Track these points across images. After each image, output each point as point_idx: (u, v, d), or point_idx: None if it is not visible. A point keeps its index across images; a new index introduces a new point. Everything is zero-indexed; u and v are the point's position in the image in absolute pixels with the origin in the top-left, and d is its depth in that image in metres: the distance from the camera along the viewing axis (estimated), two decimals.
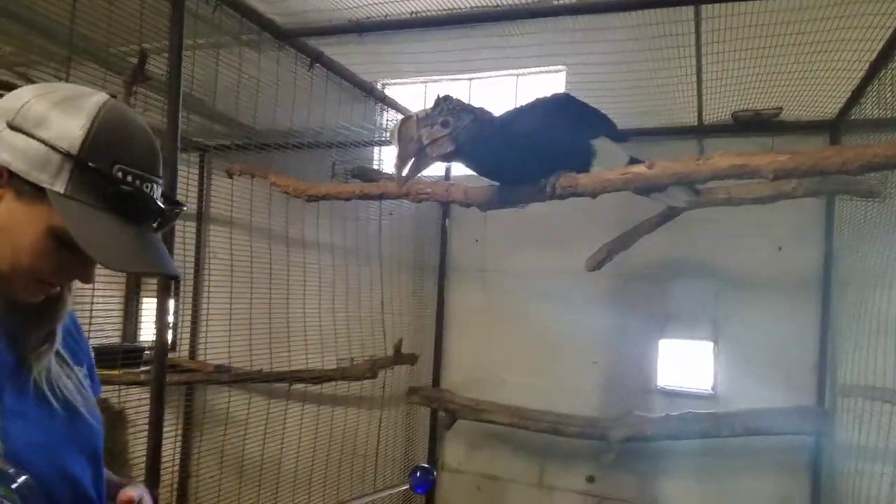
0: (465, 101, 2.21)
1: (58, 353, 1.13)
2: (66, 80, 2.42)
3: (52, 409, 1.08)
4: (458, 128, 2.14)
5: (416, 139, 2.11)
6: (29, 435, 1.03)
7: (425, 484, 1.63)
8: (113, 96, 1.02)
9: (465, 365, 4.61)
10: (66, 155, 0.93)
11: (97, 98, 0.99)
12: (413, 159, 2.14)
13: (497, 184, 2.51)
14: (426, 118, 2.12)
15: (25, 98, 0.96)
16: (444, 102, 2.15)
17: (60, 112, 0.95)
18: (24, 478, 0.93)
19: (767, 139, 3.84)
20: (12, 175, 0.94)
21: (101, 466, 1.19)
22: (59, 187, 0.94)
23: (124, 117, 1.00)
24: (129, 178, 0.97)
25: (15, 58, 3.03)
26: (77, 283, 1.09)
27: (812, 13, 2.83)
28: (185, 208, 1.10)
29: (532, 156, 2.30)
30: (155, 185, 1.01)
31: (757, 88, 3.55)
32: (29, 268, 0.99)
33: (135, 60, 2.85)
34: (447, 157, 2.23)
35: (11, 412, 1.01)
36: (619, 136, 2.53)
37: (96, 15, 2.59)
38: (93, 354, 1.29)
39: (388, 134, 2.18)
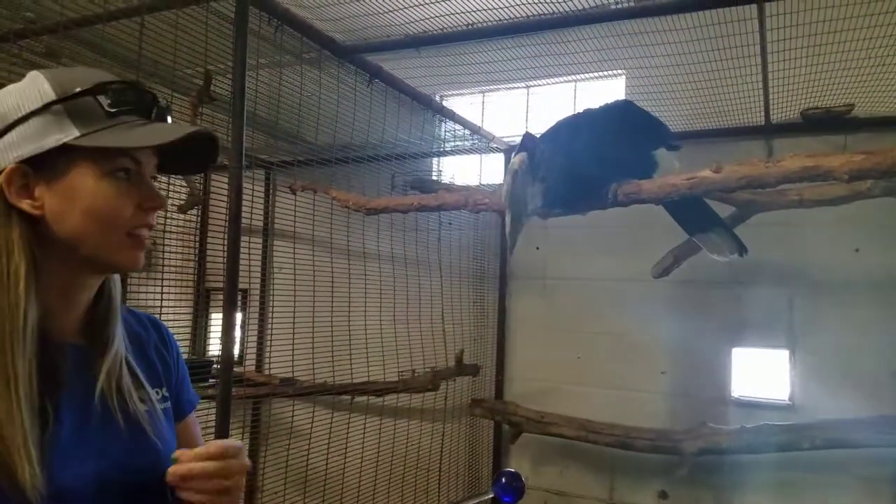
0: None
1: (129, 368, 1.07)
2: None
3: (118, 430, 1.01)
4: (550, 179, 2.10)
5: (523, 201, 2.08)
6: (83, 465, 0.95)
7: (514, 492, 1.39)
8: None
9: (529, 376, 4.55)
10: (52, 104, 0.95)
11: (42, 70, 1.01)
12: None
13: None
14: (528, 172, 2.06)
15: None
16: (537, 149, 2.09)
17: (19, 92, 0.97)
18: None
19: (840, 137, 3.67)
20: (33, 164, 0.94)
21: (165, 496, 1.09)
22: (72, 133, 0.94)
23: (72, 66, 1.04)
24: (112, 85, 0.99)
25: None
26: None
27: (882, 5, 2.70)
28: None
29: (595, 171, 2.25)
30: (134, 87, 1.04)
31: (826, 85, 3.40)
32: (111, 223, 0.99)
33: (200, 82, 2.93)
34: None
35: (68, 440, 0.95)
36: (678, 146, 2.46)
37: (163, 39, 2.68)
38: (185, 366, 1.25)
39: (503, 196, 2.14)
